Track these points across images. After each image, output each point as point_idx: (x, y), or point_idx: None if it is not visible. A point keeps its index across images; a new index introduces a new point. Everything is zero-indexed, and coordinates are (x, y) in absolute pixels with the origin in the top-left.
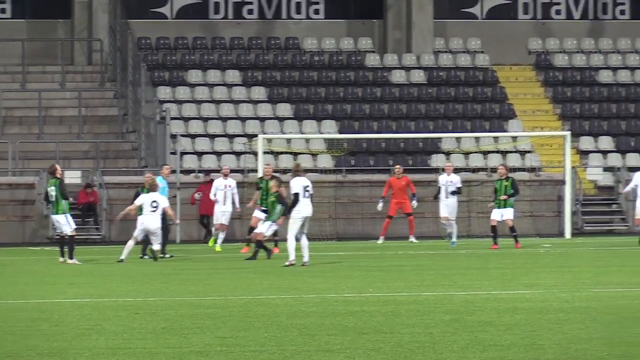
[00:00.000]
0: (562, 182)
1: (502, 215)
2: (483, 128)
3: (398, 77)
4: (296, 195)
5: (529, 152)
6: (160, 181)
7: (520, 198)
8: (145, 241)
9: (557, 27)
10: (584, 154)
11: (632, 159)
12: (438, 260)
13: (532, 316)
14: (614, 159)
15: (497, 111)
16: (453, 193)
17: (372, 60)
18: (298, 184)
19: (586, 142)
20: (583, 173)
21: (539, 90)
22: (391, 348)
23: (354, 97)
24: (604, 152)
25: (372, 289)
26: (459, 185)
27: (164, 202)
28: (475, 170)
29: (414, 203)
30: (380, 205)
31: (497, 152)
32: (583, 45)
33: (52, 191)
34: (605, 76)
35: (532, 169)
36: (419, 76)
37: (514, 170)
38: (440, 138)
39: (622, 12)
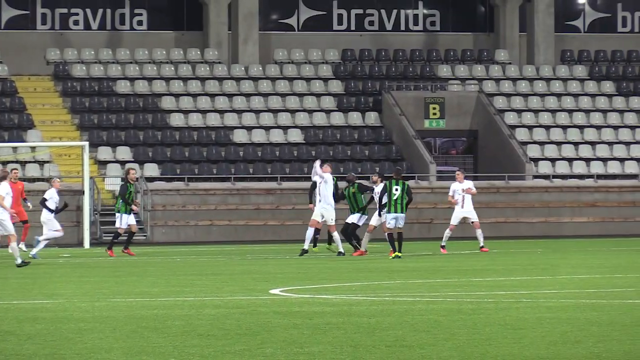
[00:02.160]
0: (81, 192)
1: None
2: (2, 138)
3: None
4: None
5: (47, 162)
6: None
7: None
8: None
9: (76, 37)
10: (102, 164)
11: (150, 169)
12: None
13: (53, 326)
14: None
15: (16, 121)
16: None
17: None
18: None
19: (104, 153)
20: (102, 183)
21: (57, 100)
22: None
23: None
24: (122, 162)
25: None
26: (29, 204)
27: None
28: None
29: (29, 205)
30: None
31: (16, 162)
32: (101, 55)
33: None
34: (122, 86)
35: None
36: None
37: (34, 180)
38: None
39: (140, 23)
